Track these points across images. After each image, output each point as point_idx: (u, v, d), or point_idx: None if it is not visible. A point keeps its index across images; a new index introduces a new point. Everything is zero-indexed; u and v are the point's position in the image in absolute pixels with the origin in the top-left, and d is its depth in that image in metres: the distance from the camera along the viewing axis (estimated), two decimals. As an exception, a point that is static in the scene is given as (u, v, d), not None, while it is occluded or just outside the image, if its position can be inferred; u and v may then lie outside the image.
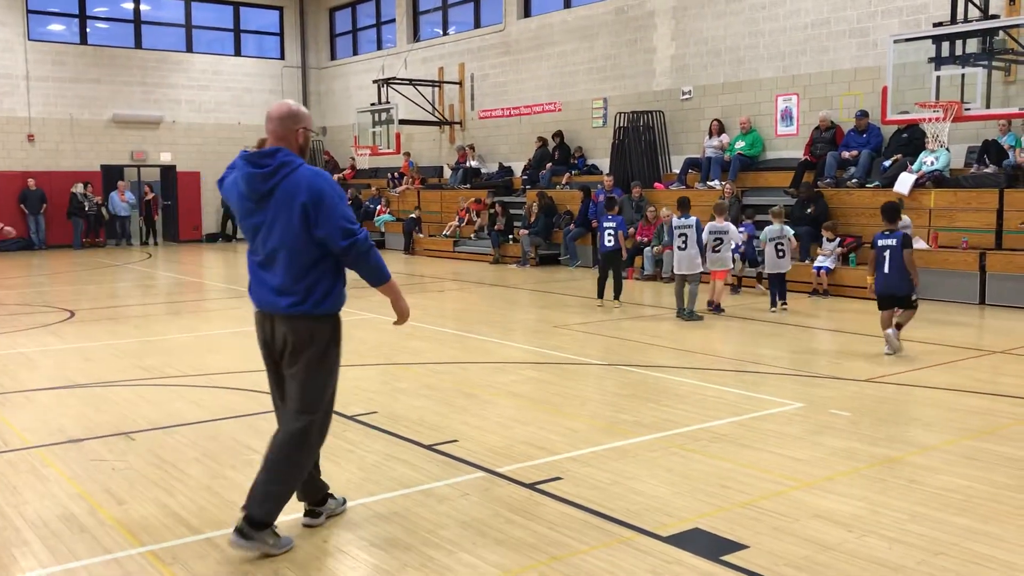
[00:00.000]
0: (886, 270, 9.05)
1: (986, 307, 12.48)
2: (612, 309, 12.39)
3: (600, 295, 12.70)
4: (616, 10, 19.80)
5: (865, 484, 5.19)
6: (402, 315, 4.60)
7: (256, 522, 4.18)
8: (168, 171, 27.49)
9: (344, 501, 4.83)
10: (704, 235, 11.78)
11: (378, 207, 24.71)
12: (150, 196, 26.48)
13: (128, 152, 26.62)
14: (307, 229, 4.18)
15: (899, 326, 9.14)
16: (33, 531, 4.56)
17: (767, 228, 12.51)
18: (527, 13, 22.35)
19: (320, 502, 4.64)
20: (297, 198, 4.16)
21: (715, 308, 12.01)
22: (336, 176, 27.66)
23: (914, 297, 9.13)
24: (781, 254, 12.19)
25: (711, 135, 17.51)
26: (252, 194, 4.24)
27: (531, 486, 5.17)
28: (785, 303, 12.27)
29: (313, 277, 4.25)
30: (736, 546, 4.29)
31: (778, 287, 12.26)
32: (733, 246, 12.17)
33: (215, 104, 27.98)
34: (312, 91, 29.86)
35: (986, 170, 13.48)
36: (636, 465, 5.57)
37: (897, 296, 9.10)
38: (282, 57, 29.49)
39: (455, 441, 6.06)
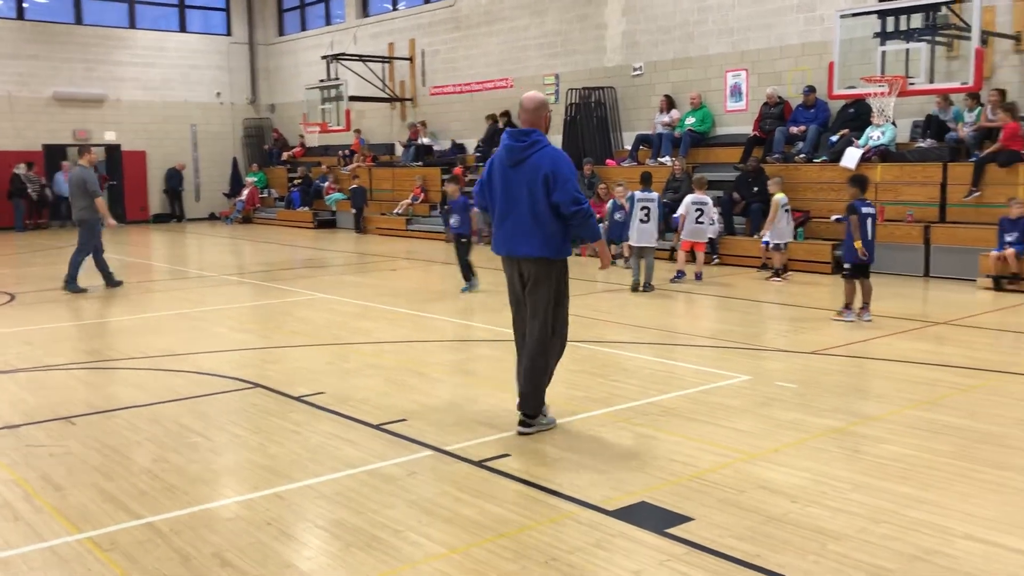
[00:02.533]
0: (869, 237, 9.38)
1: (930, 279, 12.70)
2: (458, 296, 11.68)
3: (467, 280, 11.81)
4: (566, -15, 19.70)
5: (810, 455, 5.24)
6: (605, 261, 6.15)
7: (531, 416, 5.61)
8: (113, 150, 26.86)
9: (554, 421, 5.83)
10: (684, 207, 12.71)
11: (327, 185, 24.43)
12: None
13: (71, 131, 25.93)
14: (547, 194, 5.45)
15: (867, 305, 9.45)
16: (-35, 520, 4.44)
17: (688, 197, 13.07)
18: (477, -12, 22.14)
19: (534, 415, 5.71)
20: (542, 169, 5.45)
21: (697, 276, 12.77)
22: (285, 155, 27.36)
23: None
24: (700, 222, 12.79)
25: (661, 111, 17.52)
26: (509, 160, 5.56)
27: (479, 463, 5.14)
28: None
29: (548, 230, 5.51)
30: (682, 518, 4.31)
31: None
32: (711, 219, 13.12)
33: (161, 81, 27.37)
34: (260, 68, 29.35)
35: (921, 144, 13.68)
36: (585, 440, 5.57)
37: (867, 265, 9.45)
38: (229, 33, 28.91)
39: (404, 420, 6.01)
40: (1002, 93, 13.01)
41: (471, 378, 7.32)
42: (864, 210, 9.38)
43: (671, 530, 4.17)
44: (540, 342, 5.65)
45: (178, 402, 6.60)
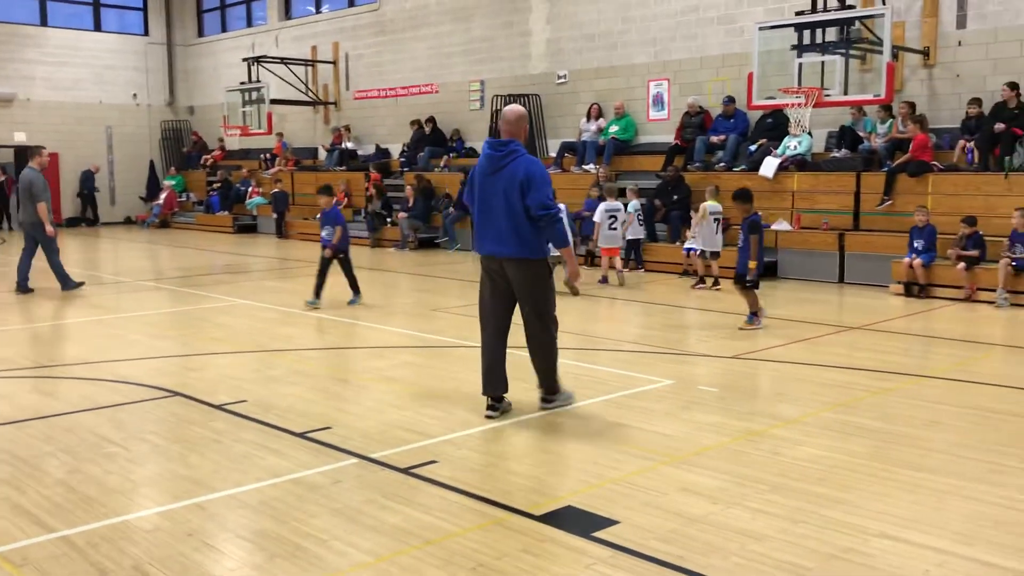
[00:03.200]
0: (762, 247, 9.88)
1: (845, 285, 13.08)
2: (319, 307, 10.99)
3: (315, 294, 11.03)
4: (491, -8, 19.77)
5: (731, 457, 5.35)
6: (573, 275, 6.61)
7: (551, 392, 6.32)
8: (23, 152, 25.91)
9: (572, 396, 6.55)
10: (598, 215, 13.08)
11: (250, 189, 24.04)
12: (1, 178, 24.96)
13: (-23, 131, 25.03)
14: (522, 198, 5.91)
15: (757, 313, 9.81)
16: None
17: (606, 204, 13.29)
18: (402, -7, 22.07)
19: (499, 399, 6.25)
20: (517, 176, 5.93)
21: (620, 281, 12.98)
22: (205, 158, 26.81)
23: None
24: (614, 229, 13.17)
25: (589, 118, 17.64)
26: (489, 168, 6.05)
27: (406, 471, 5.11)
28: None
29: (525, 232, 5.98)
30: (607, 522, 4.35)
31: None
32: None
33: (73, 81, 26.55)
34: (179, 69, 28.72)
35: (836, 154, 14.13)
36: (511, 446, 5.59)
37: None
38: (146, 33, 28.22)
39: (328, 428, 5.94)
40: (912, 105, 13.50)
41: (396, 384, 7.28)
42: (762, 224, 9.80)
43: (597, 534, 4.21)
44: (544, 333, 6.24)
45: (95, 411, 6.40)
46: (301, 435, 5.80)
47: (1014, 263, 11.16)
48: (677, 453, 5.42)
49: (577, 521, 4.38)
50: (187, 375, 7.56)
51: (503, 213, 5.98)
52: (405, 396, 6.88)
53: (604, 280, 13.01)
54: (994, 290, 11.25)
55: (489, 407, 6.20)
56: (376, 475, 5.07)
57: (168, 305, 11.73)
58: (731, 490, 4.78)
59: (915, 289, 11.96)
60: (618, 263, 13.16)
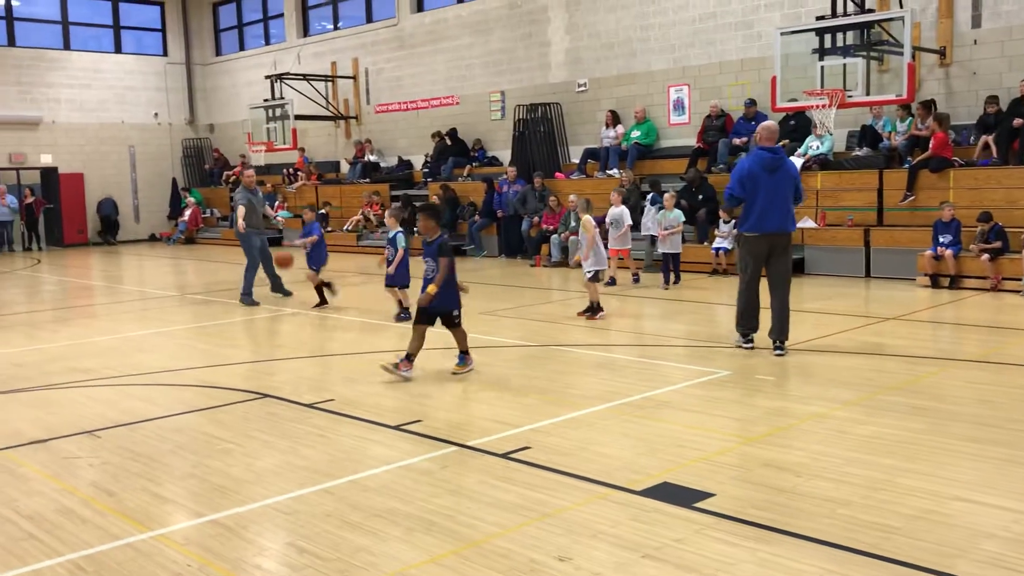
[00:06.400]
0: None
1: (871, 279, 13.49)
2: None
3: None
4: (510, 4, 20.24)
5: (801, 436, 5.78)
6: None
7: (786, 341, 8.39)
8: (49, 173, 26.48)
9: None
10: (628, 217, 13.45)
11: (276, 204, 24.49)
12: (30, 199, 25.48)
13: (6, 155, 25.52)
14: (794, 187, 8.41)
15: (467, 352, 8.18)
16: (35, 524, 4.66)
17: (662, 212, 13.54)
18: (420, 8, 22.55)
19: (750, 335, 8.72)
20: (791, 172, 8.45)
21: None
22: (227, 175, 27.30)
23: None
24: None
25: (607, 126, 18.11)
26: (768, 168, 8.26)
27: (504, 456, 5.54)
28: (678, 280, 13.37)
29: (793, 212, 8.50)
30: (704, 495, 4.77)
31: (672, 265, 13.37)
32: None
33: (97, 103, 27.09)
34: (198, 88, 29.25)
35: (858, 152, 14.57)
36: (595, 432, 6.01)
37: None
38: (165, 54, 28.76)
39: (419, 421, 6.37)
40: (929, 104, 13.93)
41: (468, 382, 7.68)
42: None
43: (698, 504, 4.64)
44: (789, 290, 8.40)
45: (194, 413, 6.85)
46: (397, 428, 6.23)
47: (1038, 253, 11.59)
48: (751, 434, 5.85)
49: (676, 494, 4.80)
50: (267, 379, 7.99)
51: (785, 198, 8.31)
52: (481, 391, 7.31)
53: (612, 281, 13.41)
54: (1019, 279, 11.67)
55: (746, 338, 8.59)
56: (478, 460, 5.50)
57: (223, 316, 12.15)
58: (810, 465, 5.21)
59: (942, 280, 12.38)
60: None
